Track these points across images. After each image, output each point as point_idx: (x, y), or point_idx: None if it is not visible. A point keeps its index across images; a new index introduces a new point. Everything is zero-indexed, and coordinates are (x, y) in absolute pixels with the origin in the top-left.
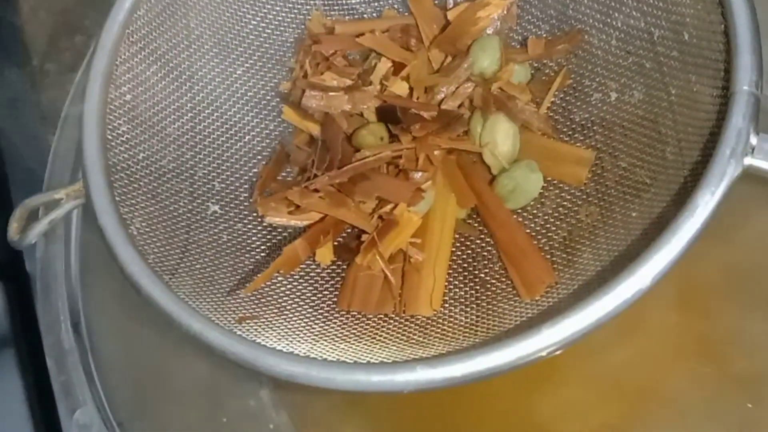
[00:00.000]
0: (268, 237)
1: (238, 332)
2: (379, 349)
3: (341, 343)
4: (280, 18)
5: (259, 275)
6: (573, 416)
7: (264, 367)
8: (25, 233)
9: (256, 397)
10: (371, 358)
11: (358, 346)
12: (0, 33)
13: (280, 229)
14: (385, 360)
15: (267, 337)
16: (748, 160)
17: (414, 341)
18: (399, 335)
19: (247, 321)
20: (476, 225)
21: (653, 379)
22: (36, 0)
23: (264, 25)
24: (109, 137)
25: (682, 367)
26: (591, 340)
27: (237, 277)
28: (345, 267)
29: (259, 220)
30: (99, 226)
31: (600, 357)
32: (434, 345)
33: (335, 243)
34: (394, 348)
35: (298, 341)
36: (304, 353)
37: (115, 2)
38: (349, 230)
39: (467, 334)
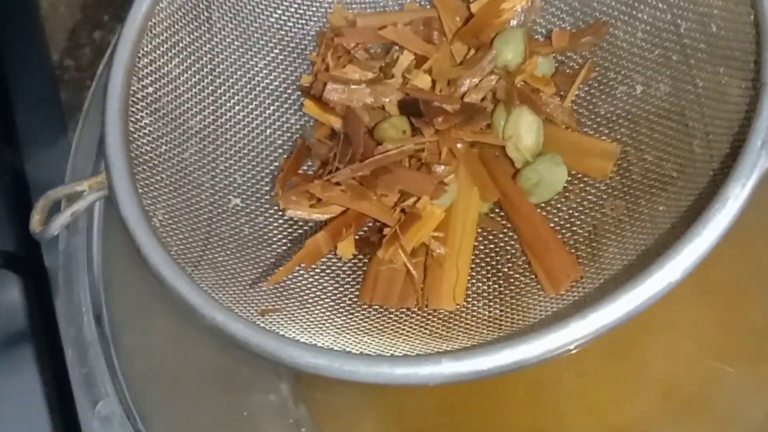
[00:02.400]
0: (289, 231)
1: (261, 324)
2: (403, 342)
3: (364, 336)
4: (302, 11)
5: (280, 268)
6: (594, 413)
7: (287, 358)
8: (48, 225)
9: (276, 391)
10: (394, 351)
11: (380, 339)
12: (21, 28)
13: (301, 223)
14: (409, 353)
15: (289, 329)
16: None
17: (437, 335)
18: (422, 329)
19: (270, 313)
20: (499, 219)
21: (675, 376)
22: None
23: (286, 18)
24: (132, 130)
25: (705, 365)
26: (613, 337)
27: (258, 270)
28: (367, 261)
29: (280, 213)
30: (122, 217)
31: (622, 354)
32: (458, 339)
33: (357, 237)
34: (417, 342)
35: (321, 334)
36: (327, 346)
37: None
38: (370, 224)
39: (491, 329)
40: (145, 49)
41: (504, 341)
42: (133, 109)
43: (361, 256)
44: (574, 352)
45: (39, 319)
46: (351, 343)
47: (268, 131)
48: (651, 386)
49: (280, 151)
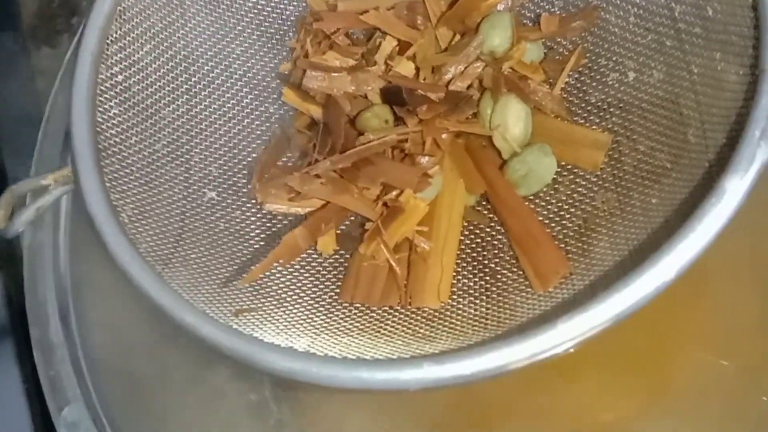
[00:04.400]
0: (268, 225)
1: (235, 326)
2: (384, 343)
3: (344, 337)
4: None
5: (257, 265)
6: (587, 410)
7: (261, 363)
8: (12, 221)
9: (256, 391)
10: (375, 353)
11: (361, 340)
12: None
13: (280, 217)
14: (390, 356)
15: (265, 330)
16: None
17: (420, 335)
18: (405, 328)
19: (245, 314)
20: (486, 212)
21: (669, 371)
22: None
23: (264, 2)
24: (100, 120)
25: (698, 359)
26: (605, 332)
27: (234, 267)
28: (348, 257)
29: (258, 207)
30: (88, 213)
31: (614, 349)
32: (442, 339)
33: (338, 231)
34: (400, 342)
35: (298, 335)
36: (305, 348)
37: None
38: (352, 218)
39: (477, 328)
40: (115, 35)
41: (488, 344)
42: (102, 99)
43: (342, 252)
44: (561, 354)
45: (18, 314)
46: (330, 344)
47: (245, 121)
48: (643, 381)
49: (258, 141)
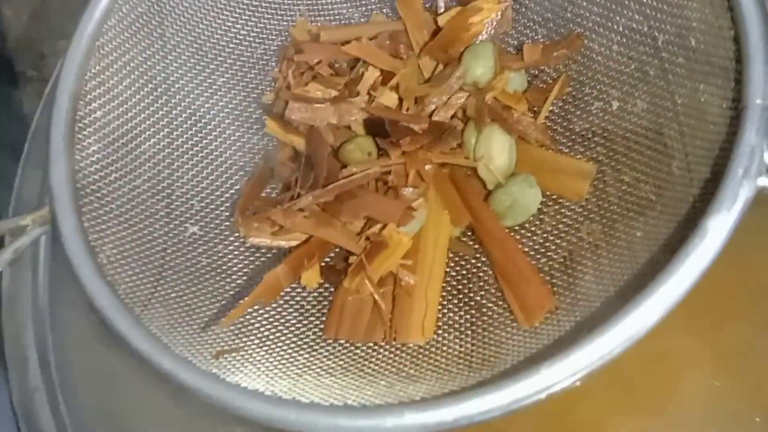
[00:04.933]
0: (251, 259)
1: (215, 369)
2: (367, 384)
3: (327, 377)
4: (261, 25)
5: (235, 306)
6: (585, 429)
7: (239, 410)
8: None
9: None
10: (358, 395)
11: (344, 380)
12: None
13: (263, 250)
14: (373, 399)
15: (246, 373)
16: (763, 181)
17: (405, 374)
18: (389, 366)
19: (225, 355)
20: (471, 243)
21: (665, 391)
22: (19, 3)
23: (245, 32)
24: (78, 158)
25: (693, 380)
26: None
27: (216, 305)
28: (332, 290)
29: (241, 241)
30: (66, 255)
31: (612, 369)
32: (426, 379)
33: (322, 264)
34: (383, 383)
35: (280, 376)
36: (286, 390)
37: (84, 13)
38: (337, 250)
39: (461, 366)
40: (93, 70)
41: (472, 390)
42: (80, 136)
43: (326, 285)
44: (544, 400)
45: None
46: (312, 386)
47: (227, 153)
48: (640, 401)
49: (241, 173)
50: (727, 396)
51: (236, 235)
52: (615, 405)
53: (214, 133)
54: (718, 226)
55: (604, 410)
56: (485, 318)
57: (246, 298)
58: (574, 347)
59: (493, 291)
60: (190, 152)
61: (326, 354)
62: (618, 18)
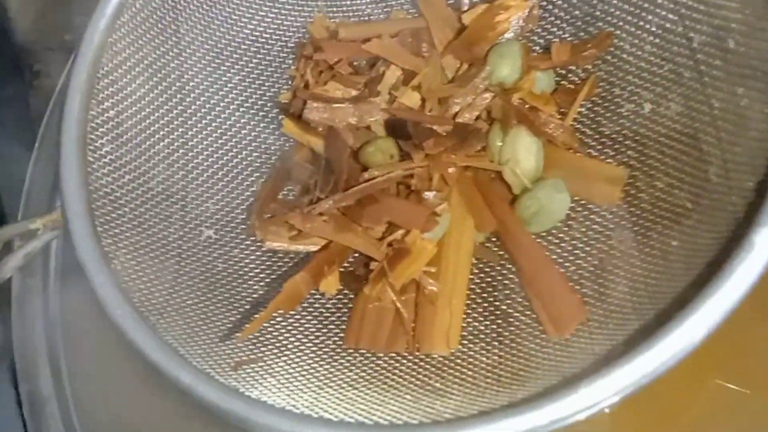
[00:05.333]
0: (268, 263)
1: (234, 382)
2: (392, 398)
3: (349, 390)
4: (278, 21)
5: (256, 315)
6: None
7: (260, 427)
8: None
9: None
10: (383, 411)
11: (367, 394)
12: None
13: (280, 255)
14: (398, 414)
15: (266, 385)
16: None
17: (430, 388)
18: (413, 379)
19: (244, 366)
20: (496, 249)
21: (686, 396)
22: None
23: (261, 29)
24: (91, 159)
25: (714, 385)
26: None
27: (233, 312)
28: (352, 297)
29: (258, 245)
30: (78, 262)
31: None
32: (453, 393)
33: (341, 270)
34: (409, 398)
35: (301, 389)
36: (308, 405)
37: (96, 9)
38: (356, 255)
39: (490, 380)
40: (106, 68)
41: (506, 409)
42: (93, 137)
43: (346, 292)
44: (582, 421)
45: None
46: (335, 400)
47: (243, 153)
48: (659, 406)
49: (257, 174)
50: (748, 403)
51: (252, 238)
52: (636, 406)
53: (229, 133)
54: (766, 239)
55: (625, 411)
56: (512, 329)
57: (265, 310)
58: (616, 364)
59: (520, 300)
60: (205, 153)
61: (347, 365)
62: (650, 17)
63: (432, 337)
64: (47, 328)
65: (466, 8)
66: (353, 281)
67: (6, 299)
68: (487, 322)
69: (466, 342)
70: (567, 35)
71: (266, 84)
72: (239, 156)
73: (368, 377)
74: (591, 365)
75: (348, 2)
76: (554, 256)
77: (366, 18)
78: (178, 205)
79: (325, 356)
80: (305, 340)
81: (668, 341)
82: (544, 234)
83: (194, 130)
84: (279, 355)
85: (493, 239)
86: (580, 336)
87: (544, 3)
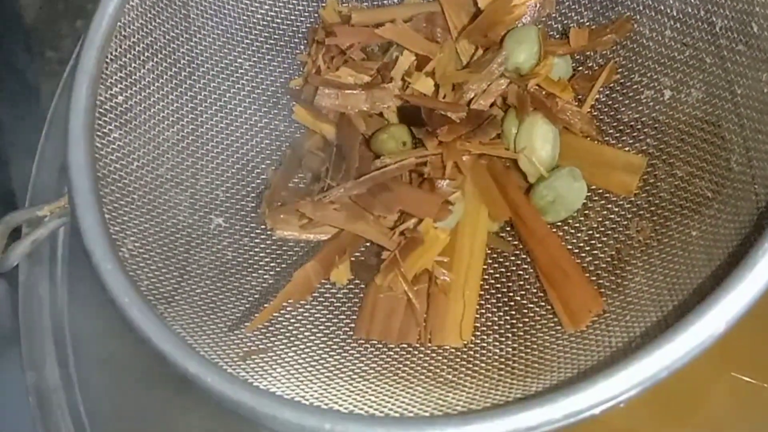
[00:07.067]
0: (278, 252)
1: (243, 373)
2: (403, 390)
3: (360, 382)
4: (290, 6)
5: (266, 305)
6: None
7: (268, 419)
8: (6, 254)
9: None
10: (394, 402)
11: (378, 385)
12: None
13: (291, 244)
14: (410, 406)
15: (275, 375)
16: None
17: (442, 380)
18: (425, 371)
19: (253, 356)
20: (510, 239)
21: (704, 390)
22: None
23: (273, 14)
24: (99, 145)
25: (730, 378)
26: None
27: (242, 301)
28: (363, 287)
29: (268, 234)
30: (85, 250)
31: None
32: (466, 385)
33: (352, 259)
34: (420, 389)
35: (311, 380)
36: (317, 396)
37: None
38: (367, 244)
39: (503, 372)
40: (115, 52)
41: (520, 403)
42: (101, 122)
43: (357, 282)
44: (598, 415)
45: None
46: (345, 391)
47: (253, 141)
48: (674, 399)
49: (268, 162)
50: (757, 395)
51: (262, 227)
52: (653, 400)
53: (239, 120)
54: None
55: (642, 405)
56: (526, 320)
57: (275, 299)
58: (635, 357)
59: (535, 291)
60: (215, 139)
61: (358, 356)
62: (671, 1)
63: (444, 328)
64: (54, 316)
65: None
66: (364, 271)
67: (13, 286)
68: (501, 314)
69: (479, 333)
70: (585, 20)
71: (277, 70)
72: (250, 143)
73: (379, 368)
74: (607, 358)
75: None
76: (570, 246)
77: (379, 2)
78: (188, 193)
79: (335, 347)
80: (315, 331)
81: (689, 333)
82: (559, 223)
83: (204, 116)
84: (288, 345)
85: (508, 229)
86: (596, 328)
87: None
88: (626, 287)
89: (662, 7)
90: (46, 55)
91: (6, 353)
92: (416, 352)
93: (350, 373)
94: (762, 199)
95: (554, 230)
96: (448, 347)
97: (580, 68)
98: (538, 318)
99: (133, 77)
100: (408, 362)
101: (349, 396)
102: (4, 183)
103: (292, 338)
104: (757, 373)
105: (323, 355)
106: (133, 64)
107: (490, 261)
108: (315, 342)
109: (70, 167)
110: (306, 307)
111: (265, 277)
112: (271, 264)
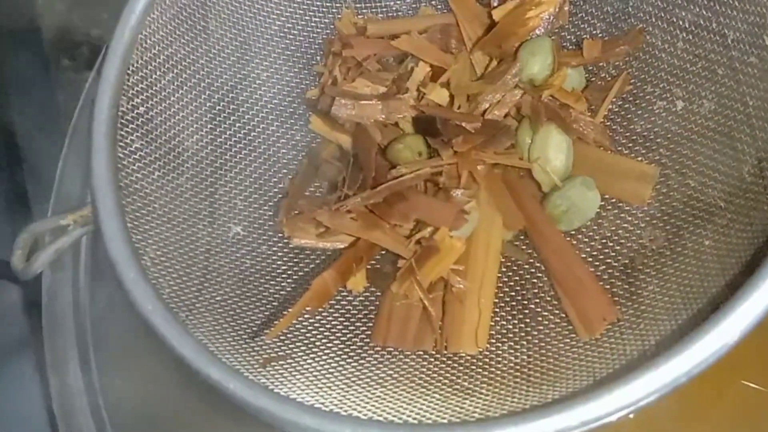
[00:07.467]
0: (295, 260)
1: (263, 379)
2: (420, 396)
3: (377, 389)
4: (307, 18)
5: (284, 313)
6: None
7: (290, 425)
8: (30, 262)
9: None
10: (412, 409)
11: (395, 392)
12: (15, 28)
13: (308, 252)
14: (428, 413)
15: (295, 382)
16: None
17: (459, 387)
18: (441, 378)
19: (273, 363)
20: (524, 248)
21: (712, 396)
22: None
23: (290, 26)
24: (121, 156)
25: (738, 385)
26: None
27: (261, 309)
28: (379, 294)
29: (285, 242)
30: (108, 258)
31: None
32: (482, 393)
33: (368, 267)
34: (437, 396)
35: (329, 387)
36: (336, 402)
37: (126, 5)
38: (383, 252)
39: (519, 380)
40: (136, 64)
41: (537, 410)
42: (123, 132)
43: (373, 289)
44: (614, 422)
45: (39, 326)
46: (363, 398)
47: (271, 150)
48: (684, 406)
49: (285, 171)
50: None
51: (280, 235)
52: (656, 414)
53: (257, 130)
54: None
55: (647, 422)
56: (541, 328)
57: (293, 307)
58: (649, 365)
59: (549, 299)
60: (233, 149)
61: (375, 363)
62: (683, 13)
63: (460, 335)
64: (77, 323)
65: (496, 4)
66: (381, 279)
67: (37, 294)
68: (516, 321)
69: (494, 341)
70: (598, 31)
71: (294, 81)
72: (267, 153)
73: (396, 375)
74: (623, 366)
75: None
76: (584, 255)
77: (394, 14)
78: (207, 202)
79: (352, 354)
80: (333, 338)
81: (704, 342)
82: (573, 232)
83: (222, 126)
84: (307, 352)
85: (522, 237)
86: (610, 336)
87: None
88: (640, 296)
89: (674, 19)
90: (63, 64)
91: (21, 357)
92: (433, 360)
93: (367, 379)
94: None
95: (568, 239)
96: (464, 354)
97: (593, 79)
98: (553, 326)
99: (153, 88)
100: (424, 369)
101: (368, 402)
102: (21, 191)
103: (310, 345)
104: (766, 381)
105: (341, 362)
106: (153, 76)
107: (505, 269)
108: (332, 349)
109: (93, 176)
110: (323, 314)
111: (283, 284)
112: (289, 272)
